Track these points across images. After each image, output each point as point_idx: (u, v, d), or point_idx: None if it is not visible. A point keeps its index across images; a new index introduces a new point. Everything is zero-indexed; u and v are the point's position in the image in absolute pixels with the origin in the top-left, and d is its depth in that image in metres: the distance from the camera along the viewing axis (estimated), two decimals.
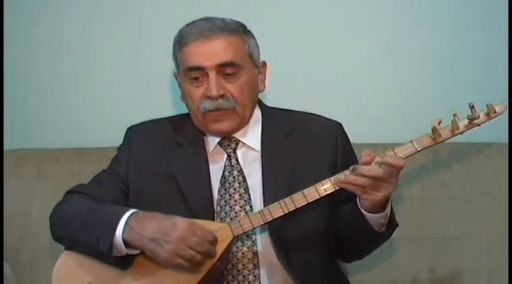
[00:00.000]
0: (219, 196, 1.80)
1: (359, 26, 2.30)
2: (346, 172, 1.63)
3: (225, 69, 1.76)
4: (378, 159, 1.61)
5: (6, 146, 2.20)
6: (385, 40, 2.30)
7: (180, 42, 1.80)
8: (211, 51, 1.75)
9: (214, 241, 1.64)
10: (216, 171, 1.83)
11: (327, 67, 2.30)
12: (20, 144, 2.27)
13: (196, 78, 1.77)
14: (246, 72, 1.79)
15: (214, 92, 1.75)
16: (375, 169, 1.59)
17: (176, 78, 1.89)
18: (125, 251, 1.66)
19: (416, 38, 2.29)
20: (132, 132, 1.91)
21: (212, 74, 1.75)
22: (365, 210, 1.67)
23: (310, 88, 2.29)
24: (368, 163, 1.60)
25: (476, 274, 2.10)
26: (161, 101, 2.29)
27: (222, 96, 1.76)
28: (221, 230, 1.67)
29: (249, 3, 2.26)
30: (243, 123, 1.83)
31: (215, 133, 1.83)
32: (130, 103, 2.32)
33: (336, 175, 1.66)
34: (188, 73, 1.78)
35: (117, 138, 1.94)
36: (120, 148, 1.92)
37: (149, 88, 2.32)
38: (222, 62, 1.75)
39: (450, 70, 2.30)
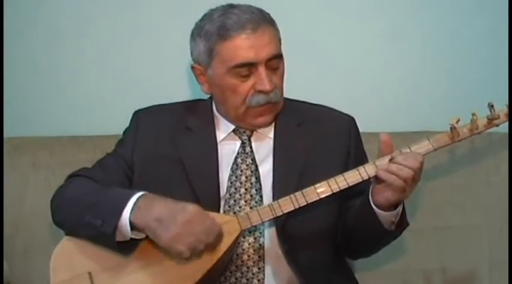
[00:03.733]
0: (229, 183, 1.78)
1: (364, 14, 2.29)
2: (383, 161, 1.62)
3: (272, 63, 1.74)
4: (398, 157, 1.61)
5: None
6: (387, 27, 2.28)
7: (222, 34, 1.73)
8: (259, 45, 1.71)
9: (219, 236, 1.61)
10: (225, 157, 1.80)
11: (329, 55, 2.29)
12: (13, 133, 2.24)
13: (245, 75, 1.74)
14: (283, 62, 1.79)
15: (268, 87, 1.73)
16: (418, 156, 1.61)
17: (193, 70, 1.83)
18: (129, 234, 1.62)
19: (417, 28, 2.28)
20: (139, 115, 1.89)
21: (262, 68, 1.72)
22: (378, 208, 1.65)
23: (312, 77, 2.28)
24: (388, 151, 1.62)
25: (477, 263, 2.11)
26: (156, 89, 2.26)
27: (272, 90, 1.75)
28: (228, 223, 1.64)
29: None
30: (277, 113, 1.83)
31: (252, 127, 1.81)
32: (124, 92, 2.30)
33: (358, 168, 1.64)
34: (236, 70, 1.73)
35: (111, 126, 1.93)
36: (125, 132, 1.89)
37: (144, 76, 2.30)
38: (270, 55, 1.73)
39: (453, 59, 2.29)
